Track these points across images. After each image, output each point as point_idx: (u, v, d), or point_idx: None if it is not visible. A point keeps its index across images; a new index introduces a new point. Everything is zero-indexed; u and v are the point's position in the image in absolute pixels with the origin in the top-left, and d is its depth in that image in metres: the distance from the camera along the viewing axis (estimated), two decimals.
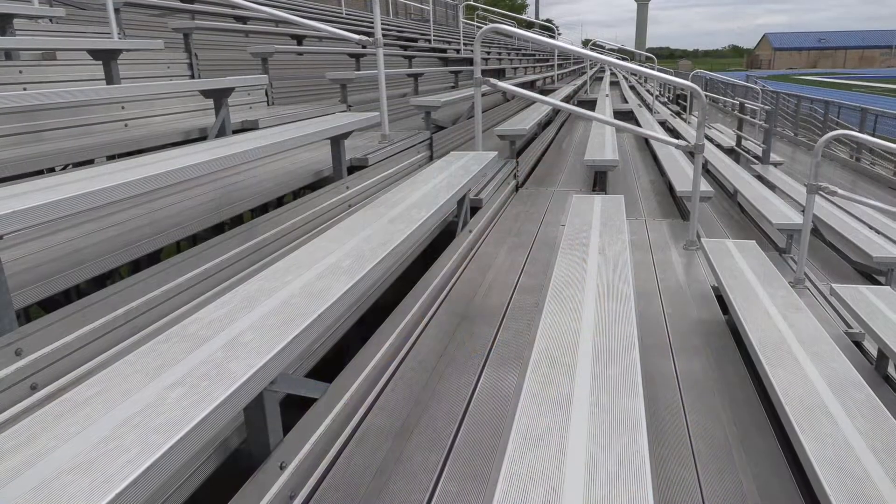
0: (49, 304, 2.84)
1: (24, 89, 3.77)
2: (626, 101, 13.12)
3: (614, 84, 18.73)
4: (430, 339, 2.35)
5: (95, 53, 3.78)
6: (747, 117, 9.34)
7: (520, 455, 1.21)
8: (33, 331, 1.63)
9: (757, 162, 8.05)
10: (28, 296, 1.90)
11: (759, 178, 6.74)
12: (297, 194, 3.83)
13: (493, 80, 4.11)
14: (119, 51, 3.84)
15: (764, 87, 16.29)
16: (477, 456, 1.66)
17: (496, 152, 3.68)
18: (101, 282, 3.36)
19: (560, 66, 17.26)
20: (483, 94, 4.36)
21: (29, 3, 4.88)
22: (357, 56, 7.52)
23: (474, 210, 3.62)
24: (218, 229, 3.28)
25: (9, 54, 3.92)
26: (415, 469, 1.61)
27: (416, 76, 7.54)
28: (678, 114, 12.58)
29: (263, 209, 3.92)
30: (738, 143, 9.11)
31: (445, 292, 2.77)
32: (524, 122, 5.60)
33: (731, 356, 2.44)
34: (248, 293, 1.54)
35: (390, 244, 1.92)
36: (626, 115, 10.36)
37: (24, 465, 0.90)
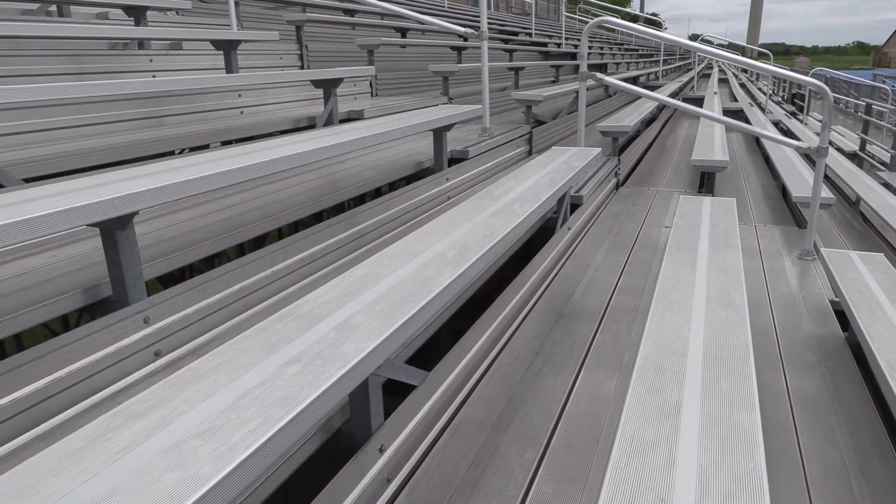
0: (164, 279, 3.04)
1: (154, 76, 4.05)
2: (735, 100, 12.44)
3: (723, 82, 17.82)
4: (527, 335, 2.32)
5: (218, 43, 4.00)
6: (874, 119, 8.61)
7: (625, 462, 1.17)
8: (159, 301, 1.75)
9: (884, 168, 7.42)
10: (154, 269, 2.04)
11: (886, 185, 6.20)
12: (392, 185, 3.90)
13: (599, 75, 4.01)
14: (239, 41, 4.05)
15: (894, 87, 14.96)
16: (574, 458, 1.62)
17: (600, 149, 3.58)
18: (210, 261, 3.56)
19: (665, 61, 16.62)
20: (587, 89, 4.26)
21: None
22: (458, 49, 7.56)
23: (573, 207, 3.55)
24: (318, 216, 3.39)
25: (141, 44, 4.22)
26: (510, 465, 1.60)
27: (516, 70, 7.48)
28: (793, 114, 11.80)
29: (361, 199, 4.02)
30: (862, 148, 8.43)
31: (543, 289, 2.74)
32: (628, 118, 5.43)
33: (851, 376, 2.26)
34: (357, 278, 1.58)
35: (493, 237, 1.91)
36: (736, 114, 9.81)
37: (157, 426, 0.97)
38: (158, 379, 1.65)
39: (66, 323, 4.33)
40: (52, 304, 1.65)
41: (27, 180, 2.53)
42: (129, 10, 4.35)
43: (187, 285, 1.85)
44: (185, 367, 1.16)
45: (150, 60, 4.03)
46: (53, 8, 4.50)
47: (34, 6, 4.44)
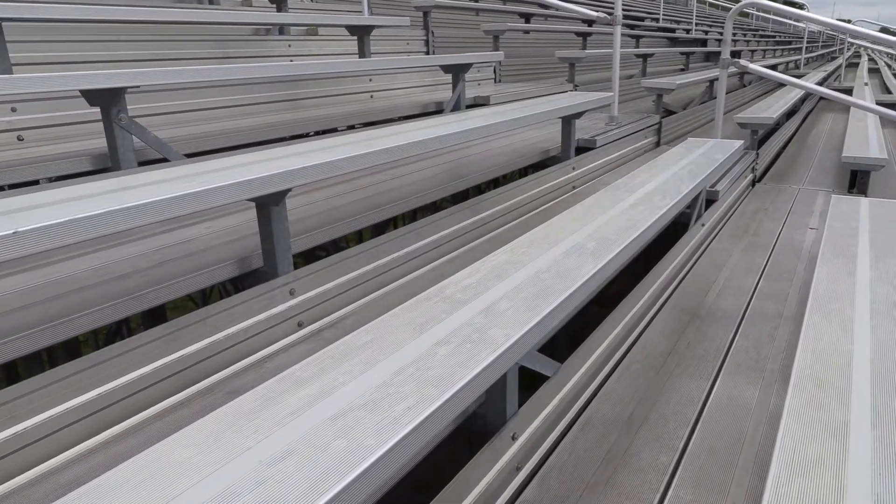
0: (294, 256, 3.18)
1: (291, 61, 4.25)
2: (888, 91, 11.27)
3: (873, 72, 16.20)
4: (657, 334, 2.23)
5: (353, 29, 4.12)
6: None
7: (787, 479, 1.09)
8: (303, 275, 1.84)
9: None
10: (299, 244, 2.14)
11: None
12: (506, 176, 3.85)
13: (742, 62, 3.75)
14: (373, 27, 4.15)
15: None
16: (713, 466, 1.54)
17: (742, 141, 3.36)
18: (335, 241, 3.69)
19: (806, 49, 15.34)
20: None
21: None
22: (583, 35, 7.36)
23: (708, 203, 3.36)
24: (440, 203, 3.43)
25: (282, 29, 4.44)
26: (643, 466, 1.54)
27: (644, 57, 7.18)
28: None
29: (479, 188, 4.02)
30: None
31: (673, 287, 2.61)
32: (769, 109, 5.06)
33: None
34: (497, 264, 1.57)
35: (634, 230, 1.84)
36: (892, 108, 8.88)
37: (321, 394, 1.01)
38: (302, 348, 1.74)
39: (203, 293, 4.67)
40: (211, 271, 1.78)
41: (186, 156, 2.73)
42: None
43: (328, 261, 1.92)
44: (340, 341, 1.20)
45: (289, 46, 4.23)
46: None
47: None
